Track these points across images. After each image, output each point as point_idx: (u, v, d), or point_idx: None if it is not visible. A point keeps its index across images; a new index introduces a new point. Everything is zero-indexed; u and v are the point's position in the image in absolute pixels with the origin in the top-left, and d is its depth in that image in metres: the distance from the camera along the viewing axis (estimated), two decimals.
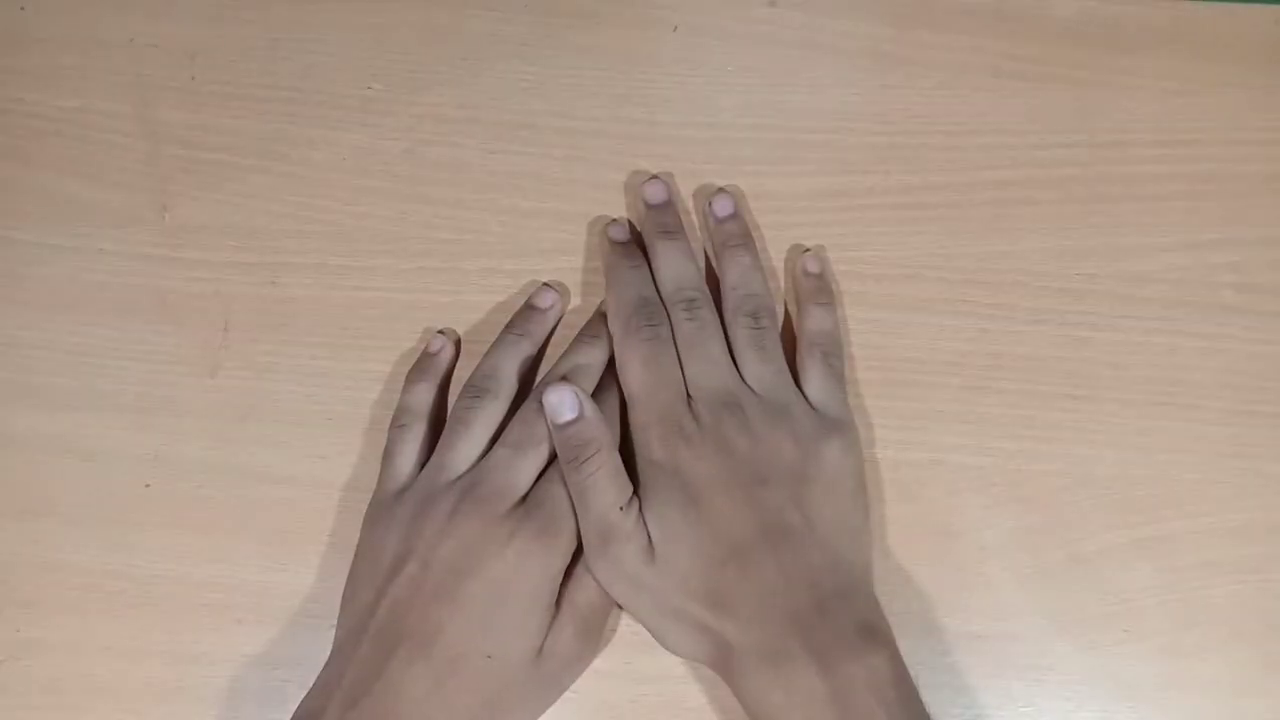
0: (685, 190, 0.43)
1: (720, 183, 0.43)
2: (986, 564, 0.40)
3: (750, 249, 0.41)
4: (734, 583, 0.35)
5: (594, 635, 0.38)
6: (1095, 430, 0.41)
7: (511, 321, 0.41)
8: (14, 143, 0.43)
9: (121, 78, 0.43)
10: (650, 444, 0.37)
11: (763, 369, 0.39)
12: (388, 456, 0.39)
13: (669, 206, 0.42)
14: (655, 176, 0.42)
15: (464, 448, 0.38)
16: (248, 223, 0.42)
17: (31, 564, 0.40)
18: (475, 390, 0.39)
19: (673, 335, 0.39)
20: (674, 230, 0.41)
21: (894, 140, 0.43)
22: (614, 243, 0.41)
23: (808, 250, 0.42)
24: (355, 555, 0.38)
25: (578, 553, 0.38)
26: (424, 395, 0.40)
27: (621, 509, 0.37)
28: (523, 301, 0.42)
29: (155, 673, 0.39)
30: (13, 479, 0.41)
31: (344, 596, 0.38)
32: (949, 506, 0.40)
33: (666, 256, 0.40)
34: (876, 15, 0.44)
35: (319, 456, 0.41)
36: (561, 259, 0.42)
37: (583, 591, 0.37)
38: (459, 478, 0.37)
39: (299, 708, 0.35)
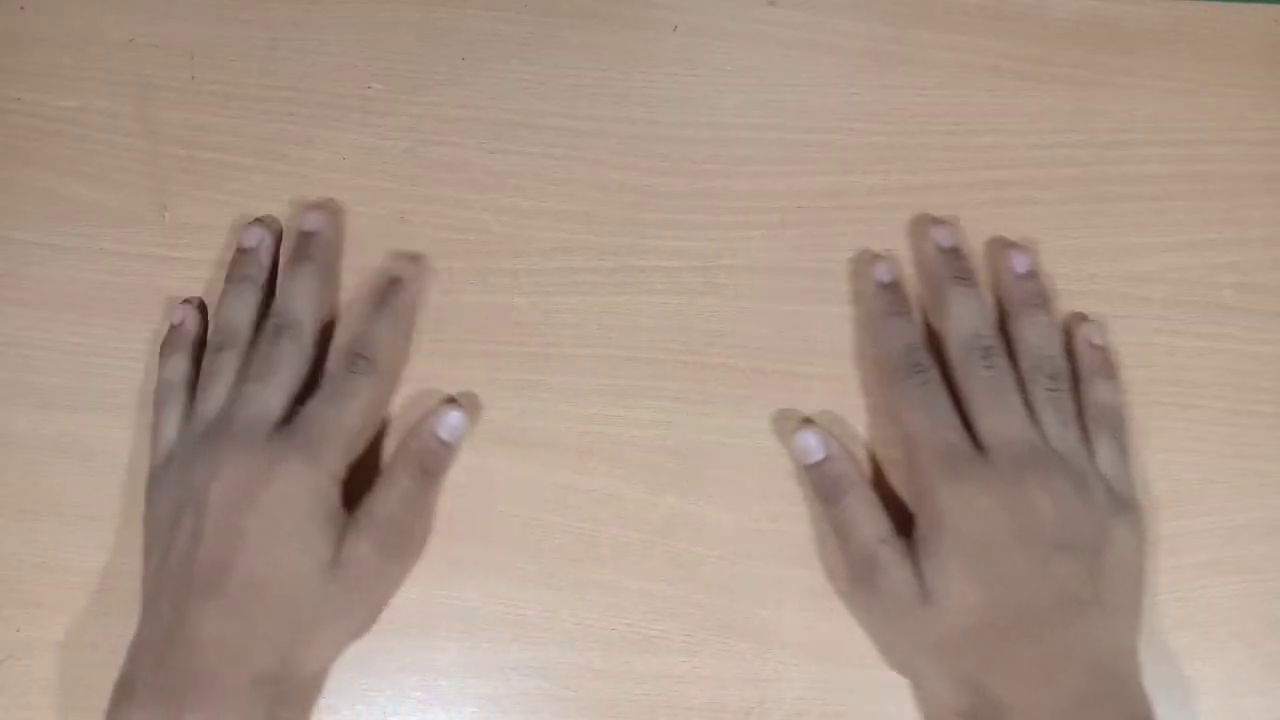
0: (684, 189, 0.43)
1: (719, 183, 0.43)
2: None
3: (1048, 308, 0.40)
4: (1019, 646, 0.34)
5: (394, 548, 0.38)
6: None
7: (229, 272, 0.41)
8: (14, 143, 0.43)
9: (121, 78, 0.44)
10: (936, 488, 0.36)
11: (1064, 431, 0.38)
12: (154, 432, 0.39)
13: (961, 251, 0.41)
14: (943, 221, 0.41)
15: (214, 398, 0.38)
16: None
17: (31, 564, 0.40)
18: (214, 345, 0.39)
19: (944, 378, 0.39)
20: (968, 277, 0.40)
21: (894, 140, 0.43)
22: (879, 285, 0.41)
23: (1089, 321, 0.41)
24: (144, 531, 0.38)
25: (376, 466, 0.38)
26: (180, 366, 0.40)
27: (883, 541, 0.37)
28: (522, 301, 0.42)
29: None
30: (13, 479, 0.41)
31: (142, 574, 0.38)
32: None
33: (962, 303, 0.40)
34: (876, 15, 0.44)
35: None
36: (561, 259, 0.42)
37: (381, 503, 0.37)
38: (212, 424, 0.37)
39: (115, 683, 0.35)
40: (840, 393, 0.41)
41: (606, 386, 0.41)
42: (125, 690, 0.34)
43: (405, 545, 0.39)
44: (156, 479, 0.38)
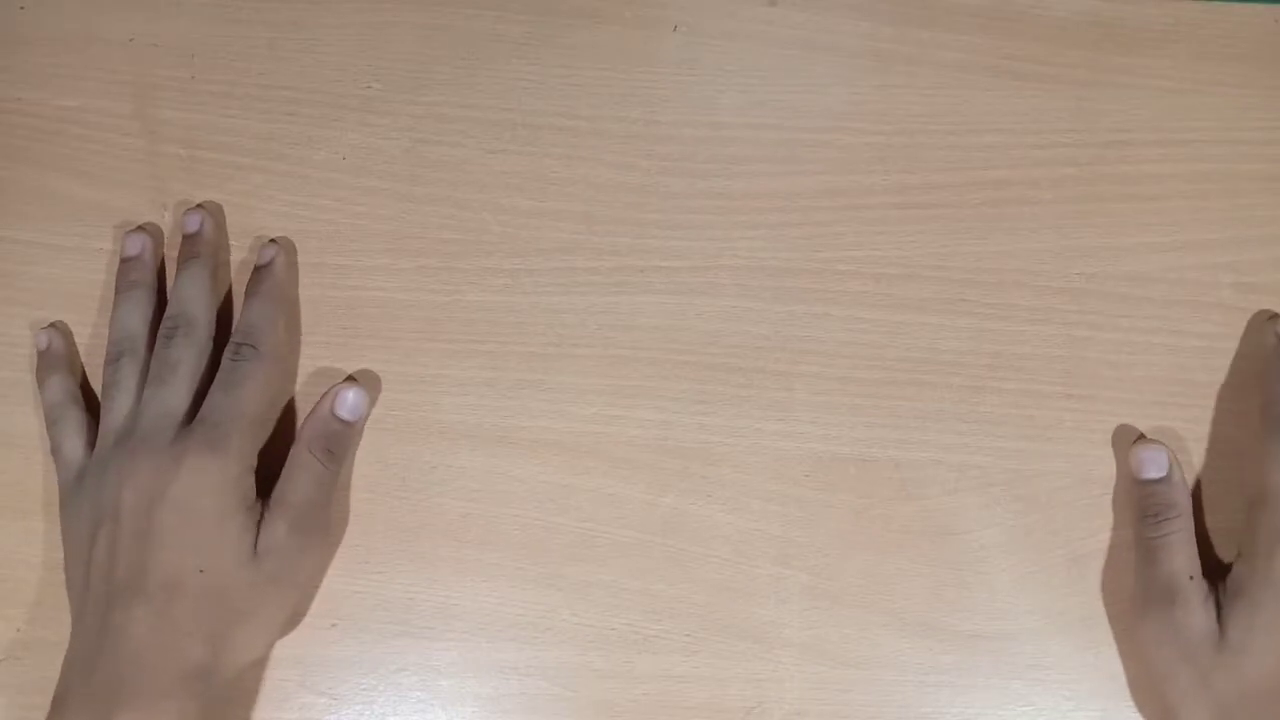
0: (681, 190, 0.43)
1: (719, 183, 0.42)
2: (986, 564, 0.40)
3: None
4: None
5: (310, 529, 0.38)
6: (1095, 430, 0.41)
7: (117, 283, 0.41)
8: (14, 143, 0.43)
9: (121, 77, 0.43)
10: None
11: None
12: (55, 451, 0.39)
13: None
14: None
15: (120, 408, 0.38)
16: (248, 223, 0.42)
17: (31, 564, 0.40)
18: (114, 355, 0.40)
19: None
20: None
21: (894, 140, 0.43)
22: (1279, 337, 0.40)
23: None
24: (63, 550, 0.38)
25: (284, 451, 0.38)
26: (61, 385, 0.40)
27: (1191, 579, 0.37)
28: (521, 301, 0.42)
29: None
30: (13, 479, 0.41)
31: (67, 592, 0.38)
32: (949, 506, 0.40)
33: None
34: (876, 15, 0.44)
35: None
36: (561, 259, 0.42)
37: (292, 488, 0.38)
38: (120, 434, 0.38)
39: (51, 701, 0.35)
40: (839, 393, 0.41)
41: (606, 386, 0.41)
42: (58, 705, 0.35)
43: (322, 528, 0.39)
44: (70, 496, 0.38)
